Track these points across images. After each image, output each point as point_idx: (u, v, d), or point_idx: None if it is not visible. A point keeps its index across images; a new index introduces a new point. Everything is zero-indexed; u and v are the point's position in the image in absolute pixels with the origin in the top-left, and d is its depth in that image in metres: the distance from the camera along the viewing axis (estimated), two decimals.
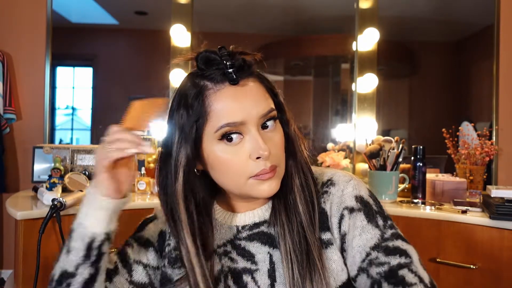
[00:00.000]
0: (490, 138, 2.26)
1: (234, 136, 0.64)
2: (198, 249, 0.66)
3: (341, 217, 0.68)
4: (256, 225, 0.71)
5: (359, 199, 0.68)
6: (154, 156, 2.23)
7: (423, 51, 2.97)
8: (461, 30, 2.89)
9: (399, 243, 0.65)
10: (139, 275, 0.73)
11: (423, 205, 1.85)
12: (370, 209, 0.68)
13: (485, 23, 2.66)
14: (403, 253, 0.63)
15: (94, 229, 0.64)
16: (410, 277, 0.60)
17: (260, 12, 2.90)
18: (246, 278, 0.68)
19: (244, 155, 0.64)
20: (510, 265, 1.53)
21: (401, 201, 1.91)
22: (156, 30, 2.86)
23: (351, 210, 0.67)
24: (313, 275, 0.63)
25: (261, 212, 0.72)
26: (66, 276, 0.64)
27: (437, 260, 1.65)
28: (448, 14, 2.86)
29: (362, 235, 0.65)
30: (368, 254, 0.63)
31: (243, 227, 0.71)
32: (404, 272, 0.60)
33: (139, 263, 0.74)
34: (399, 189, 1.98)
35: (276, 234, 0.69)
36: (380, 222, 0.67)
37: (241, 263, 0.69)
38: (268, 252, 0.69)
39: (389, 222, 0.68)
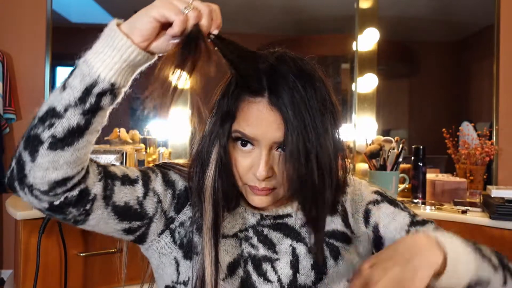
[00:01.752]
0: (490, 138, 2.26)
1: (247, 143, 0.65)
2: (218, 217, 0.65)
3: (367, 211, 0.74)
4: (280, 216, 0.72)
5: (377, 192, 0.76)
6: (154, 156, 2.23)
7: (423, 51, 2.97)
8: (461, 30, 2.89)
9: (421, 216, 0.75)
10: (151, 204, 0.66)
11: (423, 205, 1.85)
12: (389, 198, 0.76)
13: (485, 23, 2.66)
14: (429, 221, 0.73)
15: (100, 72, 0.53)
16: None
17: (260, 12, 2.90)
18: (266, 266, 0.69)
19: (248, 163, 0.65)
20: None
21: (401, 201, 1.91)
22: None
23: (376, 202, 0.74)
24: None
25: (284, 206, 0.73)
26: (52, 114, 0.54)
27: None
28: (448, 14, 2.86)
29: (395, 219, 0.72)
30: (408, 231, 0.70)
31: (267, 215, 0.72)
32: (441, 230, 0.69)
33: (156, 194, 0.67)
34: (399, 189, 1.98)
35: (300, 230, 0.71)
36: (402, 206, 0.76)
37: (262, 251, 0.69)
38: (291, 245, 0.70)
39: (404, 205, 0.78)
